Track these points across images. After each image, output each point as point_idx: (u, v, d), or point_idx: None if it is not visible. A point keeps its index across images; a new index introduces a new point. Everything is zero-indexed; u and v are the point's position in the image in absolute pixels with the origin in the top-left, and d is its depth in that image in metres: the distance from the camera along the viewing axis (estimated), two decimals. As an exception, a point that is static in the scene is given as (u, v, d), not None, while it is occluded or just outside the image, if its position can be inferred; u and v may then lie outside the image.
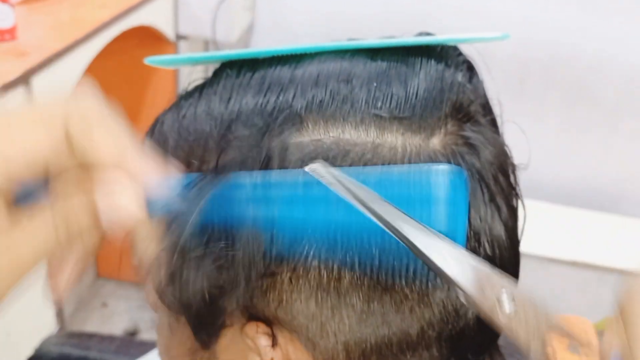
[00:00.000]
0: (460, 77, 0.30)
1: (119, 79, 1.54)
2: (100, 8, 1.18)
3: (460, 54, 0.32)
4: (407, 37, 0.31)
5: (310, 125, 0.28)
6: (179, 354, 0.34)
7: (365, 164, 0.27)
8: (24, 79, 0.92)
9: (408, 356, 0.30)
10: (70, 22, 1.11)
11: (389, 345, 0.29)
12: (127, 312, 1.72)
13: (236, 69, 0.32)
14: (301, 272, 0.28)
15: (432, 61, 0.30)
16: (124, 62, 1.49)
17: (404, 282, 0.28)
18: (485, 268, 0.25)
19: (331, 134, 0.28)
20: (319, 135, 0.28)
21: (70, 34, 1.05)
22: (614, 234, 1.49)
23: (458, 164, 0.28)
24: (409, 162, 0.27)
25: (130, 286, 1.76)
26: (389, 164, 0.27)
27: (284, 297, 0.29)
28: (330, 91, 0.29)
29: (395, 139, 0.28)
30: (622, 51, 1.50)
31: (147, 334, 1.66)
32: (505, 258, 0.29)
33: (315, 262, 0.28)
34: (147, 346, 0.75)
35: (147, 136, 0.33)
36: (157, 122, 0.33)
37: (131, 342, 0.77)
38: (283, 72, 0.30)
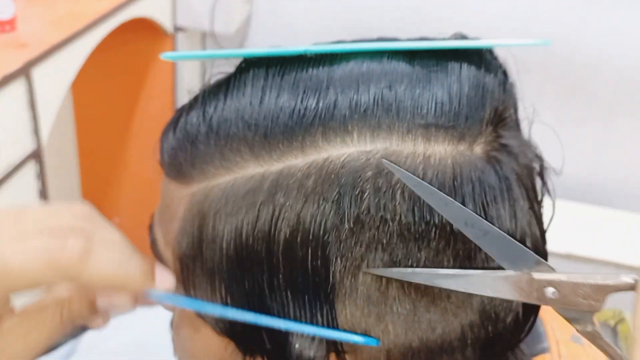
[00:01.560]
0: (498, 82, 0.30)
1: (116, 71, 1.54)
2: (97, 0, 1.18)
3: (496, 58, 0.31)
4: (443, 40, 0.31)
5: (356, 135, 0.27)
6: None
7: (417, 177, 0.27)
8: (24, 71, 0.91)
9: (445, 358, 0.30)
10: (69, 14, 1.11)
11: (430, 349, 0.29)
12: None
13: (263, 68, 0.30)
14: (352, 282, 0.28)
15: (472, 66, 0.30)
16: (121, 54, 1.49)
17: (449, 289, 0.28)
18: (523, 276, 0.28)
19: (378, 145, 0.27)
20: (365, 145, 0.27)
21: (69, 25, 1.05)
22: (608, 227, 1.51)
23: (500, 171, 0.28)
24: (460, 173, 0.27)
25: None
26: (440, 176, 0.27)
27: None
28: (374, 97, 0.28)
29: (442, 149, 0.28)
30: (618, 47, 1.51)
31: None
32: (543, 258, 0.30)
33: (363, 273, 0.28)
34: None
35: (168, 132, 0.32)
36: (180, 119, 0.31)
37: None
38: (318, 75, 0.29)
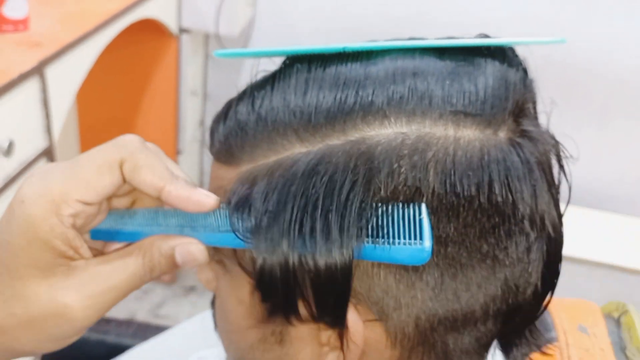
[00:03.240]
0: (519, 77, 0.33)
1: (120, 71, 1.55)
2: (106, 1, 1.20)
3: (517, 55, 0.34)
4: (468, 38, 0.34)
5: (393, 120, 0.30)
6: (247, 332, 0.36)
7: (449, 155, 0.30)
8: (39, 69, 0.93)
9: (467, 329, 0.33)
10: (79, 14, 1.13)
11: (455, 318, 0.32)
12: (124, 302, 1.72)
13: (306, 63, 0.33)
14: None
15: (496, 62, 0.33)
16: (125, 54, 1.51)
17: (474, 261, 0.31)
18: None
19: (413, 128, 0.30)
20: (401, 128, 0.30)
21: (80, 25, 1.07)
22: (603, 230, 1.54)
23: (522, 154, 0.31)
24: (487, 153, 0.30)
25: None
26: (468, 155, 0.30)
27: (367, 272, 0.31)
28: (409, 87, 0.31)
29: (471, 133, 0.30)
30: (614, 51, 1.53)
31: (143, 324, 1.68)
32: (560, 240, 0.33)
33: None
34: (162, 331, 0.77)
35: (219, 122, 0.35)
36: (229, 110, 0.34)
37: (148, 327, 0.79)
38: (356, 69, 0.32)
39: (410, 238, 0.29)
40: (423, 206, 0.29)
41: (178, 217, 0.34)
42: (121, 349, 0.74)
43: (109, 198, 0.36)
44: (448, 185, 0.29)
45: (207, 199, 0.32)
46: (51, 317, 0.32)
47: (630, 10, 1.49)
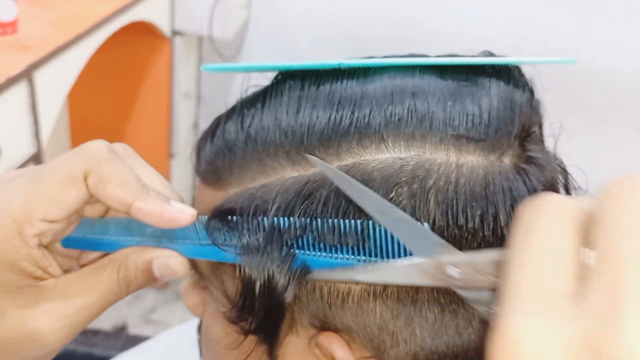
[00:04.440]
0: (525, 99, 0.31)
1: (113, 74, 1.53)
2: (99, 3, 1.18)
3: (523, 75, 0.33)
4: (471, 56, 0.32)
5: (390, 143, 0.28)
6: None
7: (450, 184, 0.28)
8: (27, 74, 0.91)
9: None
10: (70, 17, 1.11)
11: (455, 354, 0.30)
12: (115, 307, 1.69)
13: (299, 80, 0.31)
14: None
15: (501, 82, 0.31)
16: (118, 57, 1.48)
17: None
18: (431, 260, 0.26)
19: (412, 153, 0.28)
20: (399, 153, 0.28)
21: (71, 28, 1.05)
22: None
23: (528, 182, 0.29)
24: (491, 182, 0.28)
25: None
26: (472, 184, 0.28)
27: (362, 307, 0.29)
28: (408, 108, 0.29)
29: (474, 159, 0.29)
30: (611, 57, 1.53)
31: (135, 329, 1.66)
32: None
33: None
34: (153, 343, 0.75)
35: (206, 140, 0.33)
36: (217, 128, 0.33)
37: (137, 339, 0.77)
38: (352, 87, 0.30)
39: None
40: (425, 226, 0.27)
41: (154, 227, 0.32)
42: (109, 362, 0.72)
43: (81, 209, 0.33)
44: (450, 217, 0.28)
45: (181, 215, 0.30)
46: (22, 341, 0.30)
47: (629, 18, 1.48)
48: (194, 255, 0.31)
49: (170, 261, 0.31)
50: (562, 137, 0.35)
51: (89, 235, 0.34)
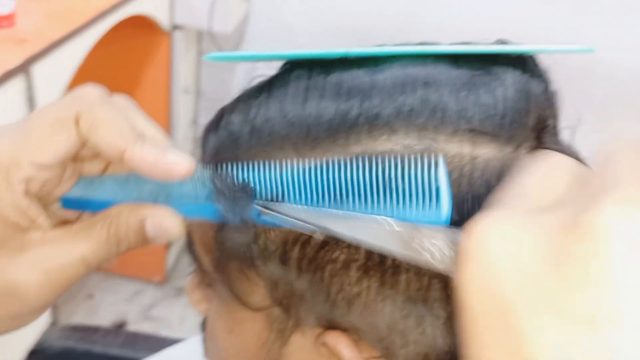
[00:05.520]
0: (541, 89, 0.30)
1: (112, 69, 1.52)
2: (97, -4, 1.16)
3: (539, 65, 0.31)
4: (486, 44, 0.31)
5: (402, 135, 0.27)
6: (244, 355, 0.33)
7: (464, 177, 0.27)
8: (24, 67, 0.90)
9: None
10: (68, 10, 1.09)
11: None
12: (114, 304, 1.71)
13: (306, 69, 0.30)
14: (390, 282, 0.28)
15: (516, 72, 0.30)
16: (117, 51, 1.47)
17: None
18: (409, 230, 0.25)
19: (424, 145, 0.27)
20: (411, 145, 0.27)
21: (69, 22, 1.04)
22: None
23: None
24: (508, 175, 0.27)
25: (117, 278, 1.74)
26: (486, 176, 0.27)
27: (370, 307, 0.28)
28: (420, 99, 0.28)
29: (488, 151, 0.28)
30: (612, 53, 1.52)
31: (134, 326, 1.65)
32: None
33: (406, 272, 0.27)
34: (153, 341, 0.75)
35: (209, 132, 0.32)
36: (222, 119, 0.31)
37: (137, 336, 0.76)
38: (361, 76, 0.29)
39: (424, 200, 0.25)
40: (440, 160, 0.25)
41: (152, 184, 0.30)
42: (109, 359, 0.71)
43: (77, 162, 0.31)
44: (465, 211, 0.27)
45: (177, 165, 0.27)
46: (0, 296, 0.28)
47: (627, 13, 1.47)
48: (191, 212, 0.29)
49: (164, 220, 0.29)
50: (564, 132, 0.34)
51: (85, 195, 0.32)
